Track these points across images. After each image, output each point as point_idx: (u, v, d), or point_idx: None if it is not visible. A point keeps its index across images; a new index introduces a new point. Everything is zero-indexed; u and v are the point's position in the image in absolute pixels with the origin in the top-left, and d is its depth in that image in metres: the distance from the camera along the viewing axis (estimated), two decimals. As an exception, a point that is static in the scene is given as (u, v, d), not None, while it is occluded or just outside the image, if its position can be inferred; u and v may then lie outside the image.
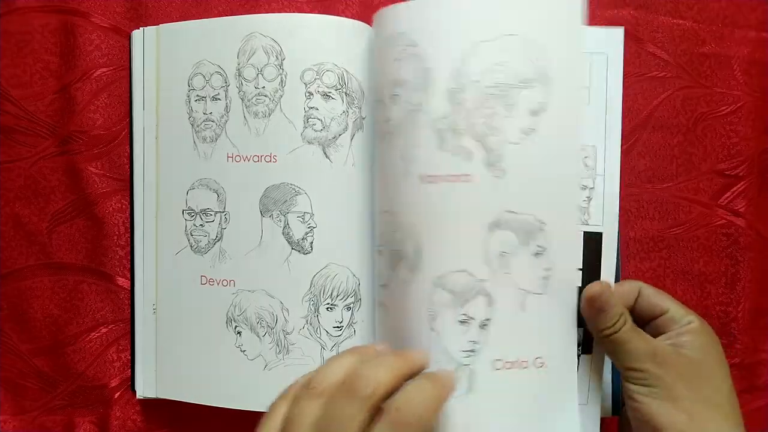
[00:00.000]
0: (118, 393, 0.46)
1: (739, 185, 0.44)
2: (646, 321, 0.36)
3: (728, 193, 0.44)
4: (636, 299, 0.36)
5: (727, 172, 0.44)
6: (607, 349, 0.35)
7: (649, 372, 0.33)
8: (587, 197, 0.38)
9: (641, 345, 0.34)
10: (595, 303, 0.35)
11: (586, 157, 0.38)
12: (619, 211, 0.39)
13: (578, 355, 0.37)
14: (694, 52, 0.44)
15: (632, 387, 0.34)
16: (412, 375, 0.30)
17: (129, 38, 0.44)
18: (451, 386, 0.30)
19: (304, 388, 0.29)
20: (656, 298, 0.36)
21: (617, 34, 0.39)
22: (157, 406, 0.45)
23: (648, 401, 0.33)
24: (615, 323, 0.34)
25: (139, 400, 0.44)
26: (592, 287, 0.35)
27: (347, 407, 0.27)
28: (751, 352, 0.45)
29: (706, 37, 0.45)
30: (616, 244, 0.38)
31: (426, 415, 0.28)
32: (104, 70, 0.46)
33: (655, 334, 0.35)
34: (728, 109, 0.44)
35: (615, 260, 0.38)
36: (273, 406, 0.30)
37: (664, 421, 0.32)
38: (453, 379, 0.31)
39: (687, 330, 0.34)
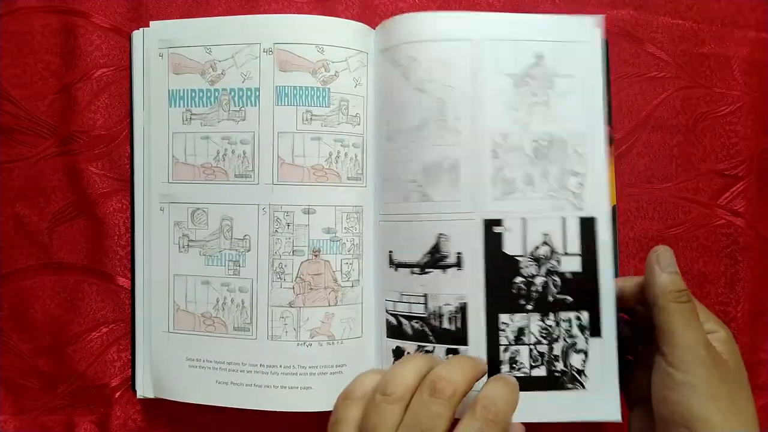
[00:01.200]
0: (119, 393, 0.46)
1: (738, 185, 0.44)
2: None
3: (728, 193, 0.44)
4: None
5: (726, 172, 0.44)
6: (665, 325, 0.33)
7: (702, 361, 0.32)
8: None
9: (700, 330, 0.33)
10: (660, 259, 0.35)
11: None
12: (619, 210, 0.39)
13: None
14: (694, 52, 0.45)
15: (675, 375, 0.32)
16: (478, 378, 0.32)
17: (129, 38, 0.44)
18: (518, 389, 0.32)
19: (381, 394, 0.30)
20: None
21: (597, 21, 0.39)
22: (157, 406, 0.45)
23: (689, 395, 0.32)
24: (682, 292, 0.34)
25: (140, 399, 0.44)
26: (658, 247, 0.36)
27: (433, 407, 0.29)
28: (751, 352, 0.45)
29: (706, 37, 0.45)
30: (611, 230, 0.38)
31: (509, 412, 0.30)
32: (105, 70, 0.46)
33: None
34: (728, 109, 0.44)
35: (611, 246, 0.38)
36: (340, 408, 0.32)
37: (702, 416, 0.31)
38: (517, 384, 0.33)
39: (717, 339, 0.34)
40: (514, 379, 0.33)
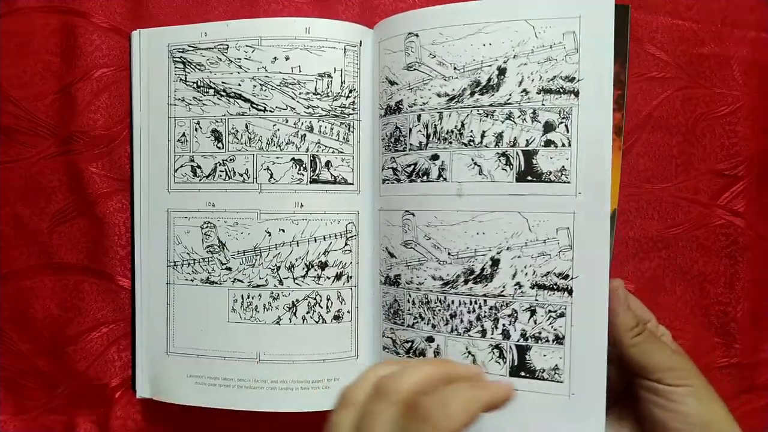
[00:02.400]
0: (119, 393, 0.46)
1: (738, 185, 0.44)
2: None
3: (727, 193, 0.44)
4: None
5: (726, 172, 0.44)
6: (637, 357, 0.34)
7: (683, 368, 0.33)
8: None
9: (664, 346, 0.34)
10: (617, 298, 0.35)
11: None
12: (619, 210, 0.39)
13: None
14: (694, 52, 0.45)
15: (672, 391, 0.33)
16: (438, 377, 0.29)
17: (129, 39, 0.44)
18: (501, 395, 0.29)
19: (383, 394, 0.28)
20: (639, 309, 0.36)
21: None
22: (157, 406, 0.45)
23: (691, 402, 0.33)
24: (638, 325, 0.35)
25: (140, 399, 0.44)
26: (616, 283, 0.35)
27: (379, 406, 0.28)
28: (750, 352, 0.45)
29: (706, 37, 0.45)
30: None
31: (463, 415, 0.27)
32: (105, 70, 0.46)
33: None
34: (727, 110, 0.44)
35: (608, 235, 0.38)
36: (336, 411, 0.30)
37: (713, 418, 0.32)
38: (506, 390, 0.30)
39: (653, 326, 0.36)
40: (502, 386, 0.30)
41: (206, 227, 0.42)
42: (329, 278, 0.41)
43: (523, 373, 0.37)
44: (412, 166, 0.39)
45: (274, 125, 0.41)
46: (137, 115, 0.44)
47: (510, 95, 0.37)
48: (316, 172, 0.41)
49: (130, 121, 0.44)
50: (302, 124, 0.41)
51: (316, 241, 0.41)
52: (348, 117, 0.41)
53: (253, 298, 0.41)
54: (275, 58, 0.41)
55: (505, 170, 0.37)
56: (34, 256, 0.46)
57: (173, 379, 0.42)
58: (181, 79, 0.42)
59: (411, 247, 0.39)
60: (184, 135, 0.43)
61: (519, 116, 0.37)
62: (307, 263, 0.41)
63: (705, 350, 0.44)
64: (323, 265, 0.41)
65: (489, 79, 0.37)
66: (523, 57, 0.37)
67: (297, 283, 0.41)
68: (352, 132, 0.41)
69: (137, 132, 0.44)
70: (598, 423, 0.35)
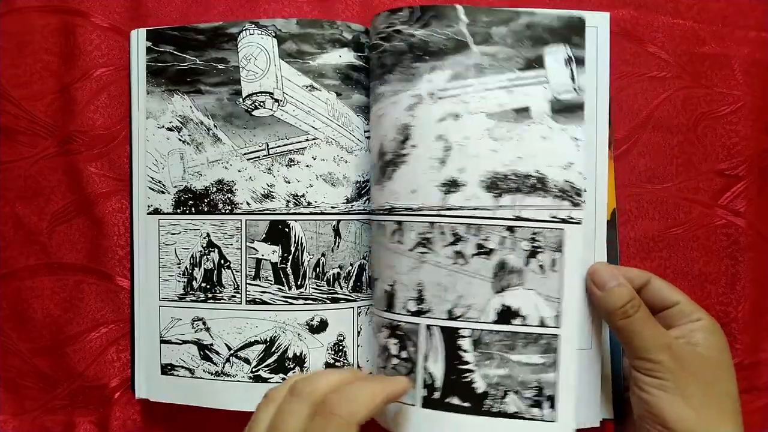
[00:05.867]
0: (118, 393, 0.46)
1: (739, 185, 0.44)
2: (654, 312, 0.35)
3: (728, 193, 0.44)
4: (644, 287, 0.36)
5: (727, 172, 0.44)
6: (621, 338, 0.35)
7: (663, 364, 0.33)
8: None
9: (657, 335, 0.34)
10: (595, 278, 0.36)
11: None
12: (619, 211, 0.39)
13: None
14: (694, 52, 0.44)
15: (643, 378, 0.33)
16: (344, 382, 0.33)
17: (128, 38, 0.44)
18: (399, 388, 0.34)
19: (295, 395, 0.32)
20: (666, 291, 0.36)
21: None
22: (157, 406, 0.45)
23: (658, 394, 0.33)
24: (624, 306, 0.34)
25: (139, 400, 0.44)
26: (593, 265, 0.36)
27: (290, 405, 0.32)
28: (751, 352, 0.45)
29: (706, 37, 0.44)
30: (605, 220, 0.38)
31: (356, 409, 0.31)
32: (104, 70, 0.46)
33: (664, 326, 0.35)
34: (728, 109, 0.44)
35: (605, 235, 0.38)
36: (258, 407, 0.33)
37: (673, 416, 0.32)
38: (404, 383, 0.34)
39: (699, 327, 0.34)
40: (401, 380, 0.35)
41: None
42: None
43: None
44: None
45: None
46: (136, 115, 0.44)
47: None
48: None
49: (129, 120, 0.44)
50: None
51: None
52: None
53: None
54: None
55: None
56: (33, 256, 0.46)
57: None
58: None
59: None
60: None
61: None
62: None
63: (705, 350, 0.44)
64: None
65: None
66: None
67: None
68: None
69: (136, 132, 0.44)
70: None
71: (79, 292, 0.46)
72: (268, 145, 0.41)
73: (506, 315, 0.37)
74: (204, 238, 0.42)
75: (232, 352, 0.41)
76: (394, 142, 0.38)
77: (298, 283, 0.41)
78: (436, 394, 0.37)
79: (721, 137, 0.44)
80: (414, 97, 0.37)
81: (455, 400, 0.37)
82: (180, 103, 0.42)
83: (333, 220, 0.41)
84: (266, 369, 0.41)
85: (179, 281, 0.42)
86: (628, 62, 0.44)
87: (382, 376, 0.38)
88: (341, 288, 0.41)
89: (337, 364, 0.41)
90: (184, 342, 0.42)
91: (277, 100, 0.40)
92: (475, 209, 0.37)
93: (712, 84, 0.44)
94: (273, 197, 0.41)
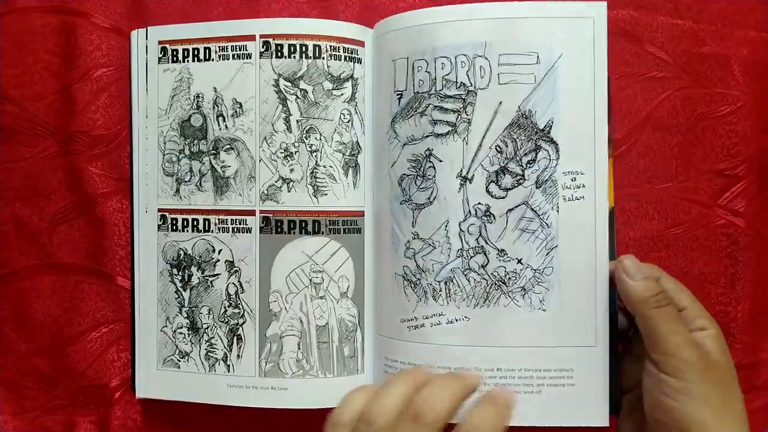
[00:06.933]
0: (119, 393, 0.46)
1: (738, 185, 0.44)
2: None
3: (728, 193, 0.44)
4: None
5: (726, 172, 0.44)
6: (650, 329, 0.34)
7: (690, 363, 0.32)
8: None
9: (683, 332, 0.33)
10: (625, 269, 0.35)
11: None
12: (619, 210, 0.39)
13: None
14: (694, 52, 0.44)
15: (668, 380, 0.32)
16: (466, 396, 0.32)
17: (129, 38, 0.44)
18: (511, 406, 0.32)
19: (365, 423, 0.30)
20: (676, 293, 0.35)
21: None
22: (157, 406, 0.45)
23: (681, 398, 0.32)
24: (657, 296, 0.34)
25: (140, 399, 0.44)
26: (623, 258, 0.36)
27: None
28: (751, 352, 0.45)
29: (706, 37, 0.45)
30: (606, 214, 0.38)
31: (448, 404, 0.30)
32: (104, 70, 0.46)
33: None
34: (728, 109, 0.44)
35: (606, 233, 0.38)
36: None
37: (697, 420, 0.32)
38: (512, 399, 0.32)
39: (707, 336, 0.34)
40: (506, 396, 0.32)
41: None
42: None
43: None
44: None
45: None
46: (137, 115, 0.44)
47: None
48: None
49: (129, 121, 0.44)
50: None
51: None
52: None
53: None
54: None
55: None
56: (33, 256, 0.46)
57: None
58: (181, 79, 0.43)
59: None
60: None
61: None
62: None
63: (705, 350, 0.44)
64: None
65: None
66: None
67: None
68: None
69: (137, 132, 0.44)
70: None
71: (80, 292, 0.46)
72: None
73: None
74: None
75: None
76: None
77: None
78: None
79: (720, 137, 0.44)
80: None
81: None
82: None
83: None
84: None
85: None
86: (627, 62, 0.44)
87: (451, 375, 0.34)
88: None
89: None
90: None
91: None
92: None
93: (711, 84, 0.44)
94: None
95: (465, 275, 0.38)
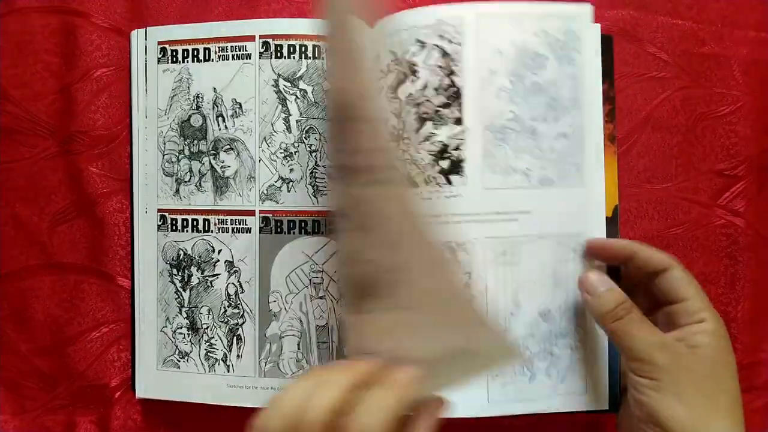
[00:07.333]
0: (119, 393, 0.46)
1: (738, 185, 0.44)
2: (661, 305, 0.36)
3: (727, 193, 0.44)
4: (662, 274, 0.36)
5: (726, 172, 0.44)
6: (615, 340, 0.35)
7: (656, 364, 0.33)
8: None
9: (648, 336, 0.34)
10: (585, 285, 0.37)
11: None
12: (619, 211, 0.39)
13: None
14: (694, 52, 0.44)
15: (639, 380, 0.34)
16: (368, 382, 0.28)
17: (129, 38, 0.44)
18: (409, 385, 0.28)
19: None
20: (681, 283, 0.35)
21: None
22: (157, 406, 0.45)
23: (653, 395, 0.33)
24: (615, 309, 0.35)
25: (140, 399, 0.44)
26: (583, 273, 0.37)
27: None
28: (751, 352, 0.45)
29: (706, 37, 0.45)
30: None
31: (380, 426, 0.26)
32: (105, 70, 0.46)
33: (667, 322, 0.35)
34: (727, 110, 0.44)
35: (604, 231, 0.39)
36: None
37: (666, 414, 0.32)
38: (411, 377, 0.28)
39: (701, 330, 0.34)
40: (406, 375, 0.28)
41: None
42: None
43: None
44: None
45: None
46: (136, 115, 0.44)
47: None
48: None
49: (129, 121, 0.44)
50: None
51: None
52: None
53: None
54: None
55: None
56: (34, 256, 0.46)
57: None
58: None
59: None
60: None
61: None
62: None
63: (705, 350, 0.44)
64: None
65: None
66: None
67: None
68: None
69: (136, 132, 0.44)
70: None
71: (80, 292, 0.46)
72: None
73: None
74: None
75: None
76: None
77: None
78: None
79: (720, 137, 0.44)
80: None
81: None
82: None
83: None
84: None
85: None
86: (627, 62, 0.44)
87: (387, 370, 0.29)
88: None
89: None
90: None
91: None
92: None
93: (711, 84, 0.44)
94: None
95: None
